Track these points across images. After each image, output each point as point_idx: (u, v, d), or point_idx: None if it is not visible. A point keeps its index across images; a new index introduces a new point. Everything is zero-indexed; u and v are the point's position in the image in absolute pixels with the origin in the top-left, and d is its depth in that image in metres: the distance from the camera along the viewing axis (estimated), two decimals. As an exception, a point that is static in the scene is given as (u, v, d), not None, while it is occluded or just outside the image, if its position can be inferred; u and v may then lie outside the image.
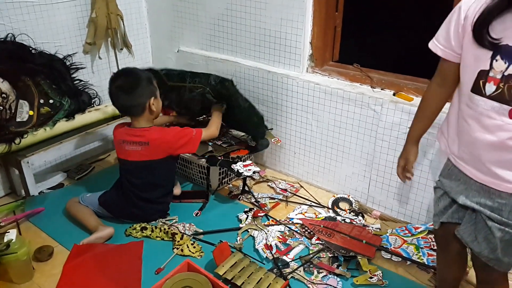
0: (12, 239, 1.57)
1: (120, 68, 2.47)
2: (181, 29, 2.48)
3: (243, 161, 2.07)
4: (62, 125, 2.11)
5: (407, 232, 1.84)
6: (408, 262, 1.69)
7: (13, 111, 1.94)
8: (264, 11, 2.07)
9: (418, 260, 1.69)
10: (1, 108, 1.88)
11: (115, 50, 2.42)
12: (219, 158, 2.06)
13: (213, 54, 2.37)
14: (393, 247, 1.75)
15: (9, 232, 1.61)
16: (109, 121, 2.30)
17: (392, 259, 1.72)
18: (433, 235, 1.78)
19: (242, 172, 1.97)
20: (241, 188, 2.13)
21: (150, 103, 1.80)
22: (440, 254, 1.42)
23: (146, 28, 2.63)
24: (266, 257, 1.72)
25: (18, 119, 1.97)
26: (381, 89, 1.91)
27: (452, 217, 1.22)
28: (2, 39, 1.93)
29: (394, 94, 1.85)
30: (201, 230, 1.88)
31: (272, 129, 2.27)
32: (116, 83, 1.79)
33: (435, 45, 1.15)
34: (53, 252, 1.74)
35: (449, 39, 1.10)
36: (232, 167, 2.00)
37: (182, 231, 1.86)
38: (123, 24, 2.40)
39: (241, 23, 2.18)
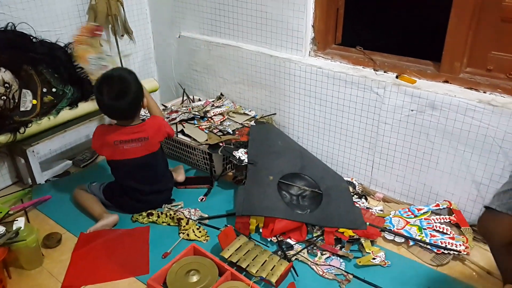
0: (21, 227, 1.60)
1: (120, 55, 2.47)
2: (182, 14, 2.46)
3: (245, 148, 2.07)
4: (66, 114, 2.11)
5: (410, 213, 1.85)
6: (412, 243, 1.71)
7: (16, 100, 1.94)
8: (265, -5, 2.05)
9: (422, 240, 1.70)
10: (5, 97, 1.89)
11: (116, 36, 2.41)
12: (221, 144, 2.06)
13: (215, 39, 2.36)
14: (396, 229, 1.77)
15: (17, 220, 1.64)
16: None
17: (395, 240, 1.74)
18: (438, 216, 1.79)
19: (244, 159, 1.98)
20: (245, 174, 2.14)
21: (143, 100, 1.81)
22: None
23: (147, 14, 2.60)
24: (271, 240, 1.74)
25: (21, 109, 1.98)
26: (384, 72, 1.90)
27: None
28: (3, 29, 1.92)
29: (397, 77, 1.84)
30: (206, 215, 1.91)
31: (275, 114, 2.27)
32: (107, 94, 1.69)
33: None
34: (61, 238, 1.78)
35: None
36: (233, 153, 2.01)
37: (188, 216, 1.88)
38: (123, 10, 2.38)
39: (243, 7, 2.16)
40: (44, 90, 2.02)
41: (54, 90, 2.02)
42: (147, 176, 1.88)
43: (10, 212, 1.81)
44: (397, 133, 1.87)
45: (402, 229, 1.77)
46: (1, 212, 1.64)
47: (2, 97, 1.87)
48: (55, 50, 2.07)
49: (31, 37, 2.02)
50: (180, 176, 2.12)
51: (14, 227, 1.59)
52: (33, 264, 1.65)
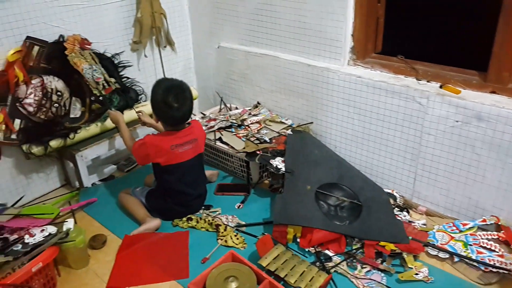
0: (71, 228, 1.67)
1: (163, 65, 2.55)
2: (221, 26, 2.52)
3: (282, 156, 2.08)
4: (112, 121, 2.21)
5: (454, 228, 1.79)
6: (456, 259, 1.65)
7: (67, 108, 2.06)
8: (304, 4, 2.06)
9: (468, 256, 1.64)
10: (57, 105, 2.00)
11: (159, 47, 2.50)
12: (258, 153, 2.08)
13: (253, 49, 2.40)
14: (440, 244, 1.72)
15: (67, 221, 1.71)
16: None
17: (439, 255, 1.68)
18: (485, 232, 1.73)
19: (281, 168, 1.99)
20: (281, 182, 2.15)
21: None
22: None
23: (188, 26, 2.69)
24: (308, 250, 1.74)
25: (71, 115, 2.09)
26: (427, 82, 1.86)
27: None
28: (56, 41, 2.04)
29: (440, 87, 1.80)
30: (244, 222, 1.93)
31: (312, 122, 2.27)
32: (174, 102, 1.79)
33: None
34: (106, 240, 1.85)
35: None
36: (270, 162, 2.02)
37: (226, 223, 1.91)
38: (167, 23, 2.47)
39: (281, 17, 2.19)
40: (92, 98, 2.12)
41: (101, 98, 2.12)
42: (194, 179, 1.96)
43: (60, 214, 1.91)
44: (441, 145, 1.83)
45: (446, 244, 1.71)
46: (52, 213, 1.72)
47: (54, 105, 1.99)
48: (102, 60, 2.18)
49: (81, 49, 2.13)
50: (214, 178, 2.25)
51: (64, 228, 1.66)
52: (80, 264, 1.73)
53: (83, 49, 2.09)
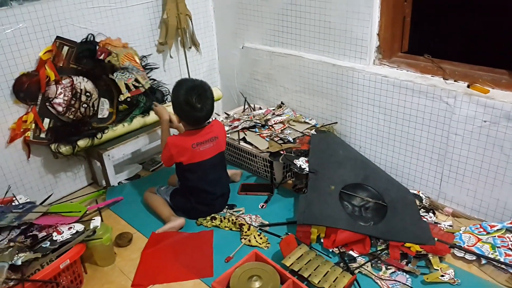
0: (97, 226, 1.70)
1: (188, 66, 2.59)
2: (245, 26, 2.54)
3: (306, 156, 2.08)
4: (138, 121, 2.25)
5: (482, 230, 1.75)
6: (484, 261, 1.62)
7: (95, 108, 2.11)
8: (329, 4, 2.05)
9: (496, 259, 1.60)
10: (86, 105, 2.06)
11: (184, 48, 2.54)
12: (282, 152, 2.08)
13: (277, 49, 2.40)
14: (467, 245, 1.68)
15: (94, 219, 1.73)
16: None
17: (466, 257, 1.65)
18: (512, 235, 1.68)
19: (305, 168, 1.98)
20: (305, 182, 2.15)
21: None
22: None
23: (213, 27, 2.71)
24: (332, 251, 1.73)
25: (99, 116, 2.14)
26: (454, 81, 1.82)
27: None
28: (84, 40, 2.09)
29: (468, 86, 1.76)
30: (267, 222, 1.93)
31: (336, 123, 2.26)
32: (198, 102, 1.81)
33: None
34: (132, 238, 1.88)
35: None
36: (294, 162, 2.02)
37: (249, 222, 1.92)
38: (192, 24, 2.50)
39: (305, 17, 2.19)
40: (120, 99, 2.16)
41: (128, 99, 2.16)
42: (217, 177, 1.97)
43: (87, 212, 1.95)
44: (468, 145, 1.79)
45: (473, 246, 1.68)
46: (80, 211, 1.76)
47: (83, 105, 2.04)
48: (130, 62, 2.22)
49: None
50: (237, 177, 2.25)
51: (92, 226, 1.69)
52: (106, 262, 1.76)
53: (125, 48, 2.14)
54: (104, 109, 2.15)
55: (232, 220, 1.92)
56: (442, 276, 1.56)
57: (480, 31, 2.79)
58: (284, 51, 2.36)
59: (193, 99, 1.81)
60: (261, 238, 1.82)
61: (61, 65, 1.99)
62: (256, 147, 2.19)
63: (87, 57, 2.07)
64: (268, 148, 2.14)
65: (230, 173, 2.18)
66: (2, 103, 1.90)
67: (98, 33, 2.13)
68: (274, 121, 2.35)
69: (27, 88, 1.92)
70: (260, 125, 2.35)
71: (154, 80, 2.38)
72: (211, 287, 1.54)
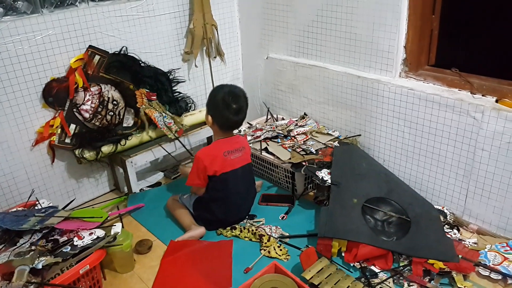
0: (118, 232, 1.69)
1: (212, 75, 2.61)
2: (270, 37, 2.55)
3: (329, 168, 2.05)
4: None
5: (508, 249, 1.69)
6: (510, 281, 1.56)
7: (121, 117, 2.14)
8: (355, 16, 2.05)
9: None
10: (112, 113, 2.10)
11: (209, 58, 2.57)
12: (304, 164, 2.07)
13: (301, 60, 2.40)
14: (492, 264, 1.62)
15: (115, 225, 1.72)
16: (202, 125, 2.44)
17: (491, 276, 1.59)
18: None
19: (327, 180, 1.96)
20: (326, 194, 2.12)
21: None
22: None
23: (238, 37, 2.74)
24: (353, 265, 1.69)
25: (124, 125, 2.17)
26: (482, 95, 1.78)
27: None
28: (117, 52, 2.14)
29: (496, 101, 1.72)
30: (287, 234, 1.91)
31: (360, 135, 2.23)
32: (236, 108, 1.85)
33: None
34: (152, 246, 1.89)
35: None
36: (316, 173, 2.00)
37: (269, 233, 1.90)
38: (217, 34, 2.53)
39: (331, 29, 2.18)
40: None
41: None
42: (248, 187, 1.99)
43: (108, 218, 1.97)
44: (495, 161, 1.74)
45: (499, 265, 1.62)
46: (101, 217, 1.77)
47: (109, 113, 2.08)
48: (158, 75, 2.28)
49: (140, 62, 2.23)
50: (258, 189, 2.23)
51: (112, 232, 1.69)
52: (126, 268, 1.76)
53: (150, 100, 2.20)
54: (129, 118, 2.19)
55: (252, 230, 1.91)
56: (467, 295, 1.51)
57: (509, 45, 2.72)
58: (308, 62, 2.36)
59: (230, 99, 1.84)
60: (281, 250, 1.80)
61: (90, 73, 2.04)
62: (278, 157, 2.18)
63: (118, 68, 2.11)
64: (290, 158, 2.13)
65: None
66: (30, 108, 1.95)
67: (125, 43, 2.18)
68: (296, 132, 2.34)
69: (56, 93, 1.97)
70: (283, 135, 2.34)
71: (180, 93, 2.42)
72: (229, 298, 1.53)
